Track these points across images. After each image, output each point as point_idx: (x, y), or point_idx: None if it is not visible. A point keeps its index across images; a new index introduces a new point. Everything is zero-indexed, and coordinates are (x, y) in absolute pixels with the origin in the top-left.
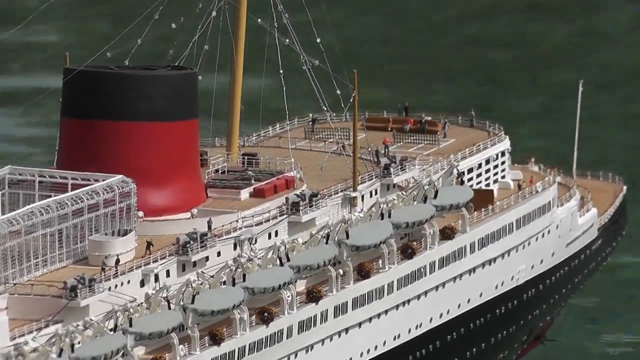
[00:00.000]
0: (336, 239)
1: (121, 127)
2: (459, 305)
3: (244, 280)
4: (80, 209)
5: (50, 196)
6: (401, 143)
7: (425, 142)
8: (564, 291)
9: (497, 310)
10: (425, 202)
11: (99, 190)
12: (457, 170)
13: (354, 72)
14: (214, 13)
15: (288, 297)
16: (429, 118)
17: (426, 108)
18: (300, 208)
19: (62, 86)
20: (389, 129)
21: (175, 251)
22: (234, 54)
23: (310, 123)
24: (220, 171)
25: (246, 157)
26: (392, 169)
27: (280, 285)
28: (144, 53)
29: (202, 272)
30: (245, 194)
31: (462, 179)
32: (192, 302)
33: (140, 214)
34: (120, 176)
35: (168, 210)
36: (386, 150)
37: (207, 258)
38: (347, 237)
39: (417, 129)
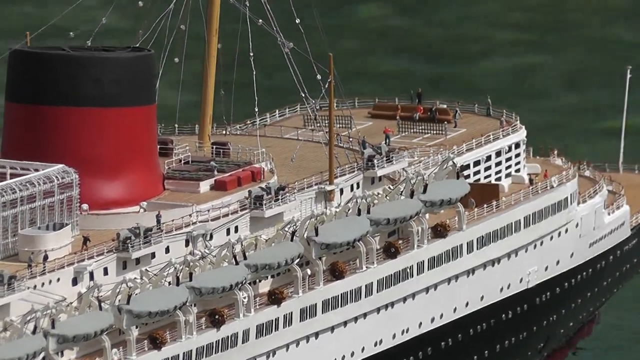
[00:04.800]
0: (305, 236)
1: (66, 113)
2: (454, 309)
3: (191, 280)
4: (13, 200)
5: None
6: (406, 133)
7: (433, 132)
8: (589, 295)
9: (503, 315)
10: (412, 197)
11: (34, 180)
12: (454, 162)
13: (329, 55)
14: None
15: (244, 298)
16: (444, 106)
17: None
18: (264, 202)
19: (7, 68)
20: (397, 117)
21: (115, 247)
22: (206, 37)
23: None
24: (183, 161)
25: (214, 147)
26: (376, 161)
27: (232, 286)
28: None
29: (145, 270)
30: (205, 186)
31: (458, 173)
32: (127, 303)
33: (85, 206)
34: (61, 166)
35: (117, 203)
36: (387, 140)
37: (153, 255)
38: (317, 234)
39: (427, 118)
